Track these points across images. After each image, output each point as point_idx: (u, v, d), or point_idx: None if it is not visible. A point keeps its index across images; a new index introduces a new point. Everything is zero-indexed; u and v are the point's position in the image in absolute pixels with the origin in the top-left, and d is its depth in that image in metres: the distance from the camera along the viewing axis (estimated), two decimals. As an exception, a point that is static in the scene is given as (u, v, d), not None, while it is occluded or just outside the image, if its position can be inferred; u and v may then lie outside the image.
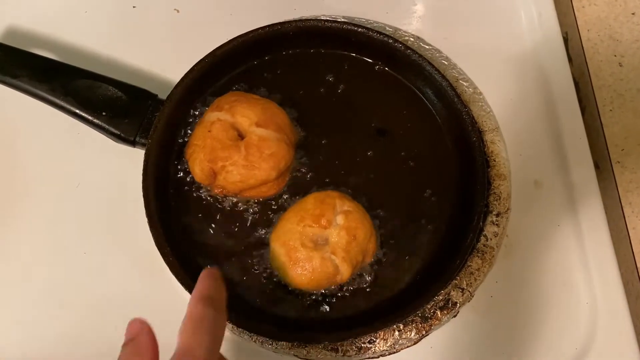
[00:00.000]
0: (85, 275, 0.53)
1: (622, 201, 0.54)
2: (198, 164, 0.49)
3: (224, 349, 0.50)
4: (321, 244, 0.48)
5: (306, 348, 0.49)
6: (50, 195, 0.56)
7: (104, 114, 0.51)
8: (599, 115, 0.57)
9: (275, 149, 0.48)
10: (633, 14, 0.60)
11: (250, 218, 0.51)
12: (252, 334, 0.49)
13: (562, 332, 0.50)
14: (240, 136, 0.50)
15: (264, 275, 0.50)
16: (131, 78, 0.53)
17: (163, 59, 0.58)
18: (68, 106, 0.50)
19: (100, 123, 0.50)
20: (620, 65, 0.58)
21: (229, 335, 0.51)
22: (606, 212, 0.53)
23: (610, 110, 0.57)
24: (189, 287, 0.47)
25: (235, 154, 0.48)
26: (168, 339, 0.50)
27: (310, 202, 0.49)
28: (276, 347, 0.49)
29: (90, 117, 0.50)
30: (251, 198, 0.51)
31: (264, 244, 0.50)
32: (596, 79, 0.58)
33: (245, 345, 0.51)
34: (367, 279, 0.50)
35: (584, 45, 0.59)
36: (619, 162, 0.55)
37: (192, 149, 0.50)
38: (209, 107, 0.51)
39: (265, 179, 0.49)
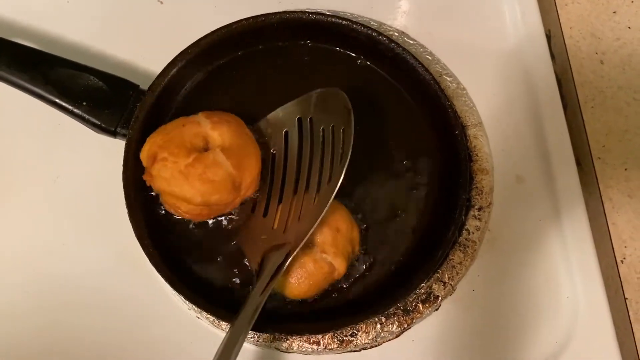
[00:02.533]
0: (64, 268, 0.53)
1: (602, 197, 0.54)
2: (151, 143, 0.48)
3: (205, 344, 0.50)
4: (309, 248, 0.47)
5: (287, 341, 0.49)
6: (30, 187, 0.55)
7: (84, 104, 0.50)
8: (581, 112, 0.57)
9: (218, 181, 0.46)
10: (614, 12, 0.60)
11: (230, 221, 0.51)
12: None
13: (543, 325, 0.51)
14: (206, 149, 0.48)
15: (245, 269, 0.49)
16: (113, 68, 0.52)
17: (146, 49, 0.58)
18: (48, 95, 0.50)
19: (80, 113, 0.50)
20: (602, 63, 0.59)
21: (210, 328, 0.50)
22: (587, 208, 0.54)
23: (592, 107, 0.57)
24: (169, 279, 0.46)
25: (183, 156, 0.46)
26: (148, 331, 0.51)
27: None
28: (257, 340, 0.49)
29: (70, 107, 0.50)
30: (168, 207, 0.49)
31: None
32: (578, 76, 0.58)
33: (226, 339, 0.50)
34: (349, 271, 0.49)
35: (566, 43, 0.60)
36: (600, 159, 0.56)
37: (158, 130, 0.49)
38: (205, 112, 0.50)
39: (186, 197, 0.46)
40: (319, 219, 0.45)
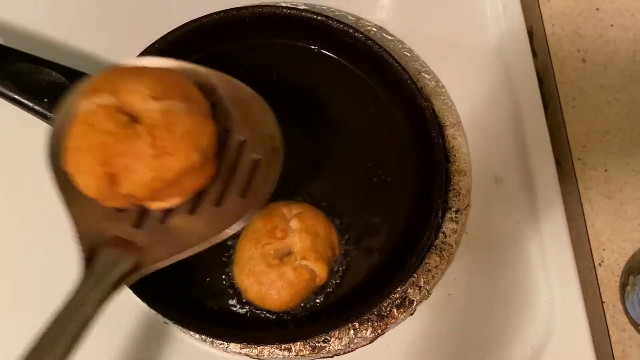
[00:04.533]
0: (34, 271, 0.51)
1: (582, 198, 0.54)
2: (88, 172, 0.35)
3: (173, 350, 0.49)
4: (287, 256, 0.45)
5: (258, 348, 0.48)
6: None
7: (45, 100, 0.47)
8: (562, 111, 0.56)
9: (189, 123, 0.35)
10: (597, 9, 0.59)
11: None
12: (202, 335, 0.47)
13: (519, 329, 0.50)
14: (134, 120, 0.35)
15: (217, 278, 0.48)
16: (76, 63, 0.50)
17: (111, 43, 0.56)
18: (6, 91, 0.47)
19: (41, 110, 0.47)
20: (584, 61, 0.58)
21: (178, 334, 0.49)
22: (566, 209, 0.53)
23: (573, 107, 0.56)
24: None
25: (136, 143, 0.34)
26: (114, 334, 0.49)
27: (258, 221, 0.46)
28: (227, 347, 0.48)
29: (30, 104, 0.47)
30: (179, 199, 0.37)
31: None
32: (559, 74, 0.57)
33: (195, 345, 0.49)
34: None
35: (548, 40, 0.58)
36: (579, 159, 0.55)
37: (75, 156, 0.35)
38: (80, 92, 0.38)
39: (187, 166, 0.35)
40: (194, 248, 0.35)
